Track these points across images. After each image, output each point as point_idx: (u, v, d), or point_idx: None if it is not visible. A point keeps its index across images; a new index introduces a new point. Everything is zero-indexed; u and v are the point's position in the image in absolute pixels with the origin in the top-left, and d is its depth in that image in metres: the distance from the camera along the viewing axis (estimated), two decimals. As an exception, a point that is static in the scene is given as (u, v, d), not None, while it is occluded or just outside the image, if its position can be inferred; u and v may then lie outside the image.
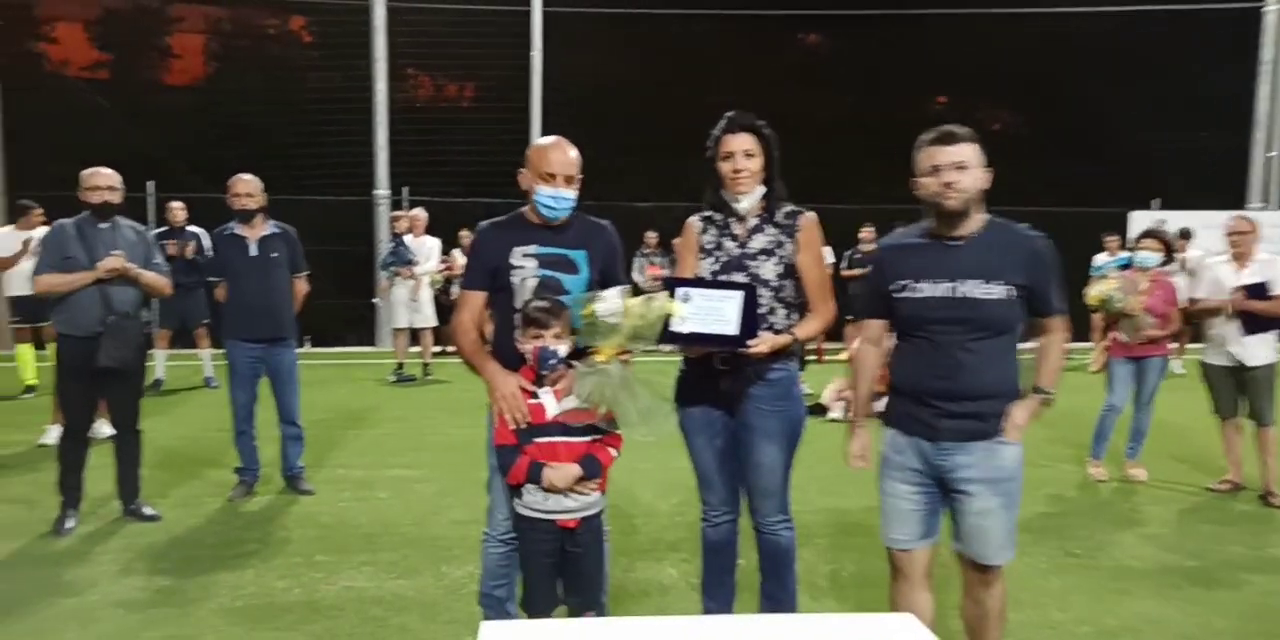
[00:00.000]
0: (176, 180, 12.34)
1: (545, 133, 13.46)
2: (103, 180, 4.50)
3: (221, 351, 5.39)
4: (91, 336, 4.41)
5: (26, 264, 7.65)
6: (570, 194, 2.94)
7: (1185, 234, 10.43)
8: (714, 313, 2.77)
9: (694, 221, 3.12)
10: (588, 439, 2.76)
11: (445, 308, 10.93)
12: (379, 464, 6.03)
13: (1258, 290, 5.19)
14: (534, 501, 2.74)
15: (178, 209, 8.66)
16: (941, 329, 2.68)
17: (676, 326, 2.75)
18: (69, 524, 4.55)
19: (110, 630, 3.46)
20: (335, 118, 13.44)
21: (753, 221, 3.02)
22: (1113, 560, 4.38)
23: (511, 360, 2.87)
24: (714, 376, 2.97)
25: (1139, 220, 13.35)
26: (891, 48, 20.15)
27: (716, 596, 3.22)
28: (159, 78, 22.07)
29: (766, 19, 19.43)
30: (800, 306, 3.05)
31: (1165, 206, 13.82)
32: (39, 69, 18.27)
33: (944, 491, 2.76)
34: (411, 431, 7.11)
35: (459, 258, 11.09)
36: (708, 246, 3.05)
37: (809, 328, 3.01)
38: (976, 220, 2.71)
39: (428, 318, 9.76)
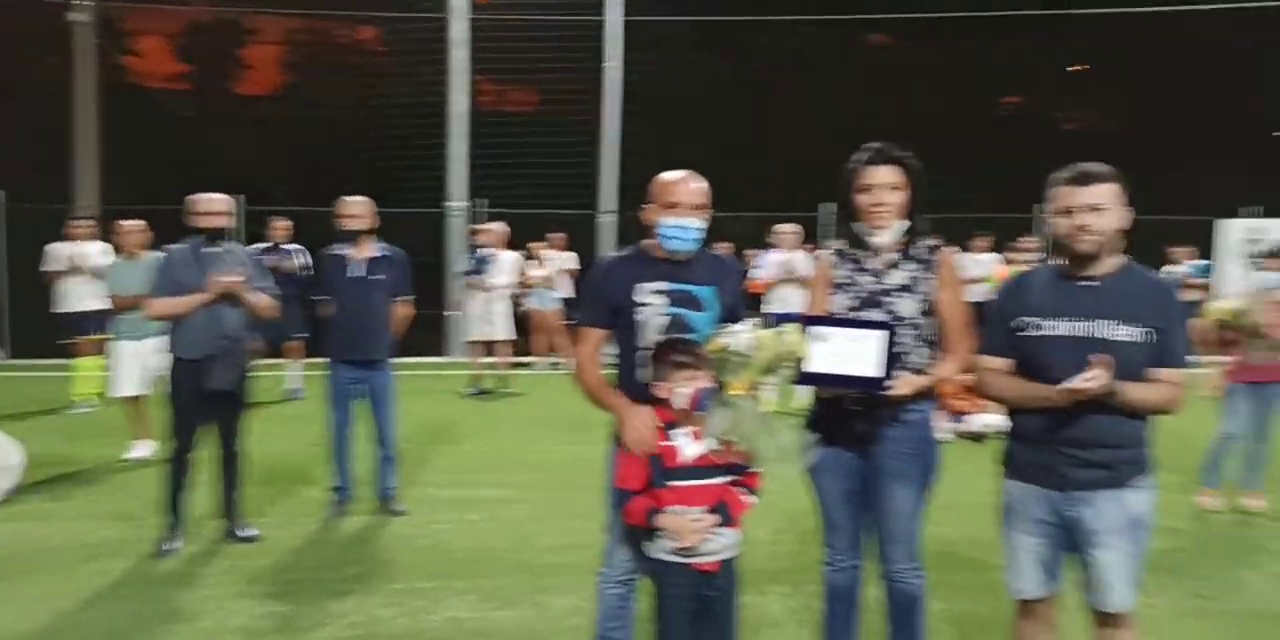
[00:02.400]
0: (261, 192, 12.63)
1: (623, 142, 13.52)
2: (215, 205, 4.58)
3: (313, 361, 5.43)
4: (201, 359, 4.48)
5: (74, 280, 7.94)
6: (695, 223, 2.85)
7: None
8: (852, 353, 2.67)
9: (826, 255, 3.02)
10: (723, 480, 2.68)
11: (519, 320, 11.00)
12: (468, 483, 6.02)
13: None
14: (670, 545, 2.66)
15: (281, 227, 8.87)
16: (1072, 371, 2.54)
17: (813, 366, 2.66)
18: (175, 545, 4.61)
19: (227, 659, 3.48)
20: (410, 131, 13.61)
21: (890, 256, 2.90)
22: (1244, 604, 4.15)
23: (633, 398, 2.80)
24: (846, 417, 2.86)
25: (1228, 230, 12.80)
26: (963, 47, 19.81)
27: (841, 645, 3.09)
28: (238, 88, 22.68)
29: (835, 22, 19.21)
30: (937, 345, 2.92)
31: (1268, 214, 13.18)
32: (123, 81, 18.88)
33: (1071, 540, 2.70)
34: (495, 448, 7.10)
35: (532, 270, 11.14)
36: (841, 281, 2.94)
37: (949, 368, 2.88)
38: (1111, 262, 2.63)
39: (503, 330, 9.80)
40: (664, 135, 18.75)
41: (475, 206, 12.81)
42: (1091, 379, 2.44)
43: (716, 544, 2.67)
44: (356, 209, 5.18)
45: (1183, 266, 10.73)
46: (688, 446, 2.66)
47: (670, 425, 2.67)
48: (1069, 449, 2.61)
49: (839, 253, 2.99)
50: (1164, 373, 2.59)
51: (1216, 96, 18.32)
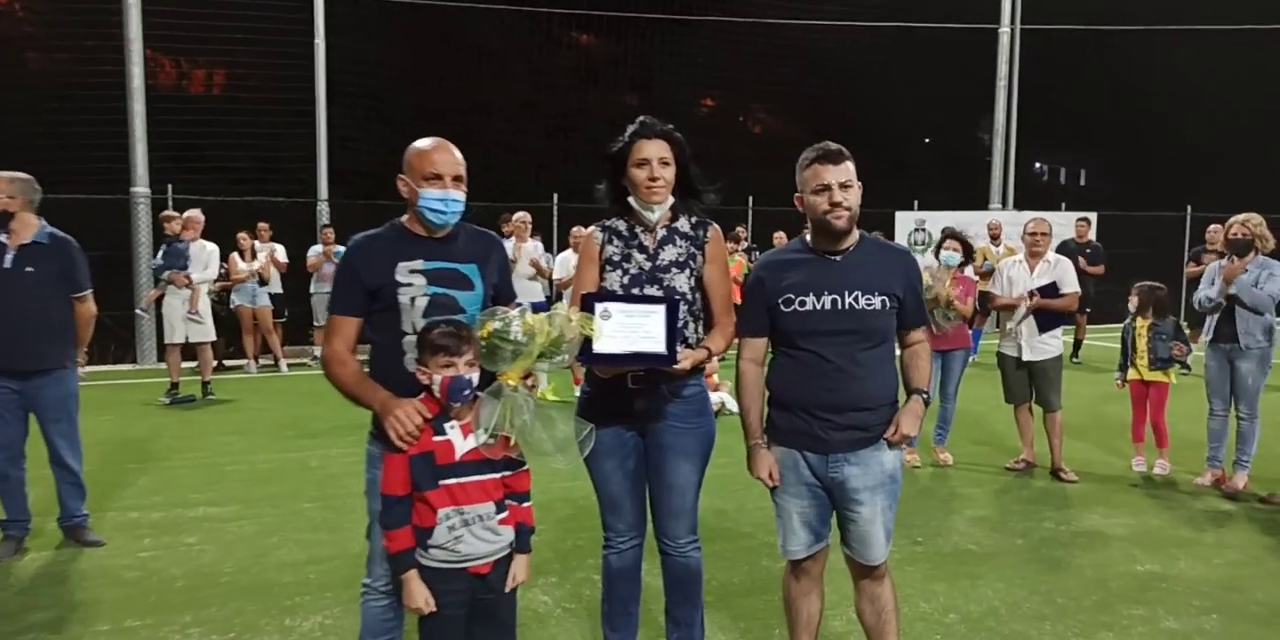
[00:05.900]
0: None
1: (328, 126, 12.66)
2: None
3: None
4: None
5: None
6: (459, 196, 2.62)
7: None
8: (638, 329, 2.60)
9: (595, 232, 2.91)
10: (500, 475, 2.49)
11: (223, 320, 9.94)
12: (177, 503, 5.29)
13: (1050, 290, 5.73)
14: (441, 554, 2.43)
15: None
16: (828, 341, 2.68)
17: (601, 346, 2.55)
18: None
19: None
20: (79, 105, 11.83)
21: (660, 232, 2.86)
22: (952, 546, 4.65)
23: (400, 389, 2.51)
24: (625, 396, 2.78)
25: (903, 220, 14.57)
26: (662, 50, 20.79)
27: (621, 627, 3.02)
28: None
29: (543, 16, 19.37)
30: (702, 319, 2.94)
31: (922, 208, 15.16)
32: None
33: (834, 499, 2.79)
34: (206, 462, 6.32)
35: (239, 263, 10.13)
36: (615, 258, 2.85)
37: (719, 341, 2.89)
38: (853, 235, 2.75)
39: (206, 331, 8.79)
40: (364, 121, 17.93)
41: (161, 193, 11.36)
42: (902, 434, 2.69)
43: (491, 545, 2.48)
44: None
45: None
46: (459, 441, 2.42)
47: (439, 418, 2.43)
48: (825, 414, 2.68)
49: (606, 229, 2.90)
50: (915, 333, 2.79)
51: (882, 107, 20.81)
